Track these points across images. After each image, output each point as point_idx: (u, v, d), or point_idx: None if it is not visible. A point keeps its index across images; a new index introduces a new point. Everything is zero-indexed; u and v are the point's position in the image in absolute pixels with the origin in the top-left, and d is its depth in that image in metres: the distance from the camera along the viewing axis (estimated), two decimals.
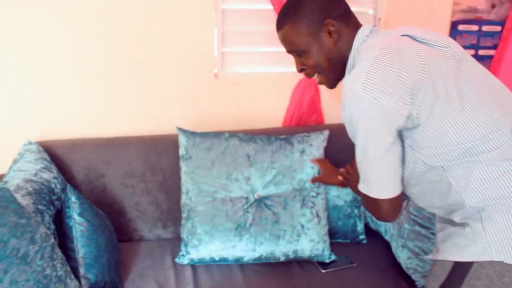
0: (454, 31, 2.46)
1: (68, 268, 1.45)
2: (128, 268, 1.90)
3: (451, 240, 1.23)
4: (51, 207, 1.65)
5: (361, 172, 1.23)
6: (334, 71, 1.33)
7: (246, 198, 1.96)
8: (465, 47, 2.42)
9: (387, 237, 2.06)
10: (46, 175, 1.75)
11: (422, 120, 1.14)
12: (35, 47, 2.01)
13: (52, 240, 1.41)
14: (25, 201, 1.54)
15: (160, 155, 2.08)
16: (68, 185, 1.68)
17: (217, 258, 1.91)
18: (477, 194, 1.16)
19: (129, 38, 2.09)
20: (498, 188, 1.14)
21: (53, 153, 1.98)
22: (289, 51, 1.35)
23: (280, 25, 1.32)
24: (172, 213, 2.10)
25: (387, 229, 2.06)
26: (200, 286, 1.81)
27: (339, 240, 2.15)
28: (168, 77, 2.18)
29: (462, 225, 1.20)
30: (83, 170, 2.01)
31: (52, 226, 1.60)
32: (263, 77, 2.30)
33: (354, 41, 1.27)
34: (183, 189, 1.98)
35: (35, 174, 1.72)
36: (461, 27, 2.46)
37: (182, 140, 2.00)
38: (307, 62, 1.32)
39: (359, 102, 1.12)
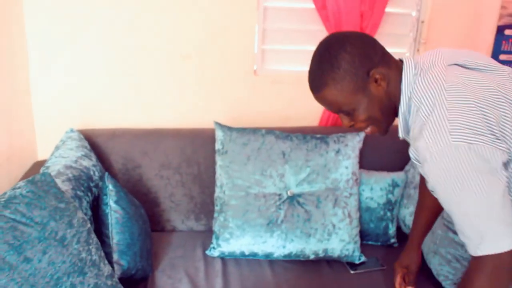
0: (499, 36, 2.39)
1: (103, 254, 1.50)
2: (159, 257, 1.94)
3: None
4: (89, 194, 1.71)
5: (477, 229, 1.08)
6: (387, 119, 1.24)
7: (279, 194, 1.97)
8: (510, 53, 2.38)
9: None
10: (86, 163, 1.81)
11: None
12: (80, 39, 2.08)
13: (89, 225, 1.46)
14: (64, 186, 1.60)
15: (196, 149, 2.12)
16: (106, 173, 1.73)
17: (247, 253, 1.93)
18: None
19: (172, 32, 2.14)
20: None
21: (92, 142, 2.04)
22: (335, 112, 1.25)
23: (318, 87, 1.20)
24: (205, 206, 2.14)
25: None
26: (229, 279, 1.84)
27: (370, 243, 2.13)
28: (208, 72, 2.22)
29: None
30: (121, 159, 2.07)
31: (89, 212, 1.65)
32: (302, 75, 2.29)
33: (403, 81, 1.17)
34: (217, 183, 2.00)
35: (75, 161, 1.78)
36: (507, 32, 2.39)
37: (219, 134, 2.02)
38: (359, 118, 1.21)
39: (455, 154, 1.03)
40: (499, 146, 1.05)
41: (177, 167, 2.11)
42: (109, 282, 1.44)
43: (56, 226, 1.32)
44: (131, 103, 2.21)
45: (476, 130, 1.04)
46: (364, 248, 2.06)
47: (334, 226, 1.95)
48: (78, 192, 1.64)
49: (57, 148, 1.89)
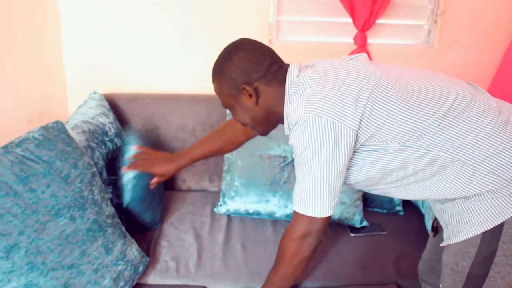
0: None
1: (106, 196, 1.65)
2: (170, 212, 2.08)
3: (471, 214, 1.22)
4: (103, 146, 1.87)
5: (306, 191, 1.22)
6: (261, 126, 1.38)
7: (284, 157, 2.05)
8: None
9: (423, 210, 2.06)
10: (103, 119, 1.97)
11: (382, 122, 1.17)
12: (106, 8, 2.24)
13: (94, 169, 1.61)
14: (78, 137, 1.76)
15: (210, 113, 2.24)
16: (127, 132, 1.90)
17: (251, 211, 2.03)
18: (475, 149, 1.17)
19: (193, 3, 2.26)
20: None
21: (115, 104, 2.20)
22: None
23: (212, 79, 1.36)
24: (219, 168, 2.25)
25: (424, 201, 2.05)
26: (231, 233, 1.95)
27: (376, 210, 2.18)
28: (224, 41, 2.30)
29: (478, 194, 1.20)
30: (140, 121, 2.22)
31: (101, 162, 1.81)
32: (316, 46, 2.37)
33: (286, 85, 1.29)
34: None
35: (93, 118, 1.94)
36: None
37: None
38: (234, 117, 1.39)
39: (305, 124, 1.16)
40: (349, 124, 1.14)
41: (192, 130, 2.24)
42: (109, 221, 1.59)
43: (61, 165, 1.47)
44: (154, 69, 2.35)
45: (329, 106, 1.14)
46: (369, 214, 2.11)
47: None
48: (91, 143, 1.80)
49: (79, 107, 2.07)
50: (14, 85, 1.84)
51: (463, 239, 1.24)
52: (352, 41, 2.32)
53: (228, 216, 2.07)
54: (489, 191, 1.18)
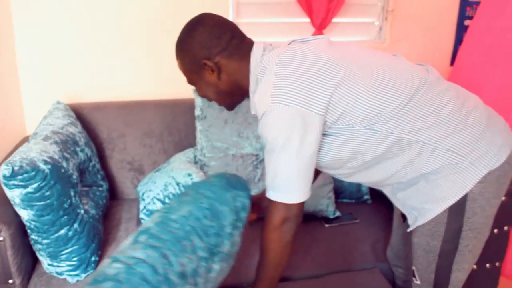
0: (464, 2, 2.53)
1: None
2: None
3: (434, 192, 1.29)
4: (75, 156, 1.82)
5: (279, 179, 1.25)
6: (226, 100, 1.41)
7: (256, 155, 2.09)
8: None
9: None
10: (72, 129, 1.92)
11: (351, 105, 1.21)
12: (62, 17, 2.18)
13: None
14: (52, 148, 1.71)
15: (176, 117, 2.24)
16: None
17: None
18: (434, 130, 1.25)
19: (153, 7, 2.25)
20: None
21: (78, 114, 2.14)
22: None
23: (176, 56, 1.38)
24: None
25: None
26: None
27: (345, 200, 2.26)
28: None
29: (437, 170, 1.27)
30: (105, 129, 2.18)
31: (76, 173, 1.76)
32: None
33: (251, 63, 1.31)
34: (198, 146, 2.12)
35: (62, 128, 1.88)
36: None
37: (198, 101, 2.13)
38: (199, 93, 1.42)
39: (273, 114, 1.18)
40: (316, 110, 1.18)
41: (159, 135, 2.22)
42: None
43: None
44: (116, 77, 2.31)
45: (296, 94, 1.17)
46: (339, 205, 2.18)
47: None
48: (65, 154, 1.75)
49: (45, 118, 2.00)
50: None
51: (430, 218, 1.31)
52: None
53: None
54: (447, 165, 1.25)
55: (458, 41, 2.58)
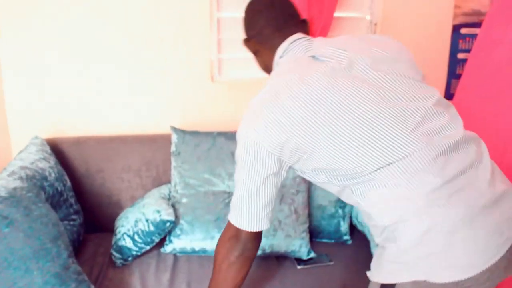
0: (456, 35, 2.43)
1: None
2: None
3: (377, 262, 1.24)
4: (41, 192, 1.84)
5: (235, 201, 1.30)
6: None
7: (228, 193, 2.05)
8: (468, 51, 2.40)
9: (369, 236, 2.07)
10: (42, 164, 1.95)
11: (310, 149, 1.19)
12: (47, 55, 2.24)
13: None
14: (15, 183, 1.73)
15: (154, 153, 2.23)
16: None
17: (197, 249, 2.01)
18: (384, 213, 1.16)
19: (133, 42, 2.28)
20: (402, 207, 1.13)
21: (58, 149, 2.18)
22: None
23: None
24: None
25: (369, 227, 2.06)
26: (176, 274, 1.92)
27: (324, 240, 2.18)
28: (167, 81, 2.34)
29: (383, 247, 1.21)
30: (84, 164, 2.20)
31: (47, 205, 1.76)
32: (258, 81, 2.38)
33: (274, 59, 1.40)
34: (172, 183, 2.11)
35: (32, 163, 1.91)
36: (463, 31, 2.43)
37: (174, 137, 2.14)
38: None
39: (239, 143, 1.26)
40: (270, 149, 1.20)
41: (137, 170, 2.23)
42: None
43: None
44: (98, 112, 2.34)
45: (257, 125, 1.21)
46: (317, 245, 2.11)
47: (280, 222, 2.01)
48: (31, 189, 1.76)
49: (19, 153, 2.04)
50: None
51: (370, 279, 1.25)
52: None
53: (175, 255, 2.04)
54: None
55: (452, 74, 2.48)
